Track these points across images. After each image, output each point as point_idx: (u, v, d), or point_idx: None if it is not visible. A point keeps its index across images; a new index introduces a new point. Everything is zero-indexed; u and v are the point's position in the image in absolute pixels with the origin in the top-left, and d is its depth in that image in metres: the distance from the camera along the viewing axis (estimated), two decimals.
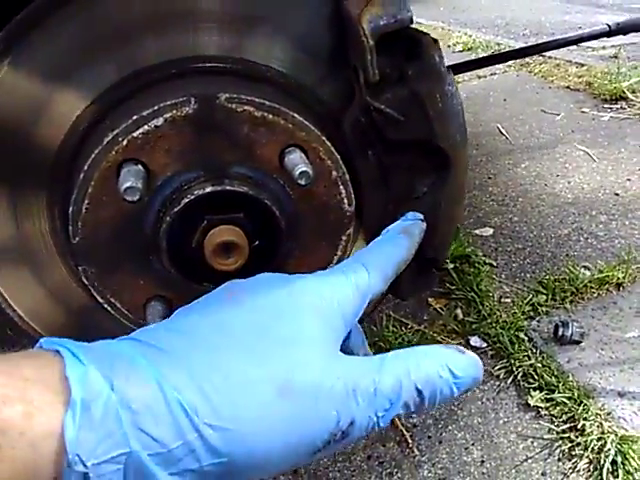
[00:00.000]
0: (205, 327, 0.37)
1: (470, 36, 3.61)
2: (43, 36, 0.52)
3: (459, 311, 1.35)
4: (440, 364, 0.41)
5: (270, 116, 0.54)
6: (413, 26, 0.55)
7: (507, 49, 3.27)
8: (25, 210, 0.59)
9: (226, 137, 0.55)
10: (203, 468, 0.32)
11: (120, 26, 0.53)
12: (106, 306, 0.61)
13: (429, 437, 1.08)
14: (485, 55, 2.83)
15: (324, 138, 0.58)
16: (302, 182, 0.56)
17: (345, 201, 0.64)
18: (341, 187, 0.62)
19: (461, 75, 2.68)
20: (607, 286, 1.34)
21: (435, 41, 0.56)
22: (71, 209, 0.54)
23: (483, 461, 1.03)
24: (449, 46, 3.56)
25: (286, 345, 0.37)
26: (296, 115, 0.56)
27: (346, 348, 0.47)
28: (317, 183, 0.59)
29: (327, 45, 0.57)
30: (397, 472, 1.03)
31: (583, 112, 2.29)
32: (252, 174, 0.57)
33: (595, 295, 1.33)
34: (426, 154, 0.64)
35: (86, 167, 0.52)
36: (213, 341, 0.36)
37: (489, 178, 1.91)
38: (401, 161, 0.66)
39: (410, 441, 1.07)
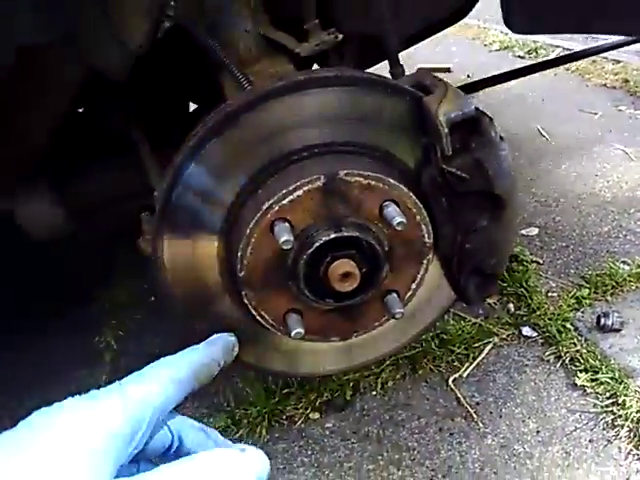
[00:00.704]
0: None
1: (506, 34, 3.73)
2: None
3: (511, 305, 1.55)
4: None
5: (373, 182, 0.77)
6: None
7: (543, 47, 3.39)
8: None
9: (343, 199, 0.78)
10: None
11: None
12: (258, 318, 0.85)
13: (490, 412, 1.29)
14: (543, 60, 2.96)
15: (411, 193, 0.81)
16: (399, 228, 0.78)
17: (425, 236, 0.86)
18: (422, 226, 0.84)
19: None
20: None
21: (491, 120, 0.77)
22: (240, 253, 0.78)
23: (538, 431, 1.23)
24: (485, 45, 3.70)
25: None
26: (390, 179, 0.78)
27: (149, 452, 0.48)
28: (409, 227, 0.81)
29: (411, 129, 0.79)
30: (465, 441, 1.24)
31: (620, 110, 2.42)
32: (361, 223, 0.80)
33: (634, 288, 1.50)
34: (486, 199, 0.86)
35: (251, 225, 0.76)
36: None
37: (531, 180, 2.08)
38: (466, 205, 0.88)
39: (475, 416, 1.29)
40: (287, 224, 0.78)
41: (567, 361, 1.35)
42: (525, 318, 1.49)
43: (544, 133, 2.38)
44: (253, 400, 1.41)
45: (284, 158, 0.79)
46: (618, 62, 2.80)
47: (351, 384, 1.41)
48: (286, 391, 1.42)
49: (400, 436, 1.28)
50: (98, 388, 0.46)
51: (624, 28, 1.30)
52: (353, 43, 1.06)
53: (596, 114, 2.43)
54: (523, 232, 1.82)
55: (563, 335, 1.40)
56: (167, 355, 0.51)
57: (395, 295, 0.91)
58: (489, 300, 1.59)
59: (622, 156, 2.10)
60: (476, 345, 1.46)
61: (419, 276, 0.91)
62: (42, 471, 0.36)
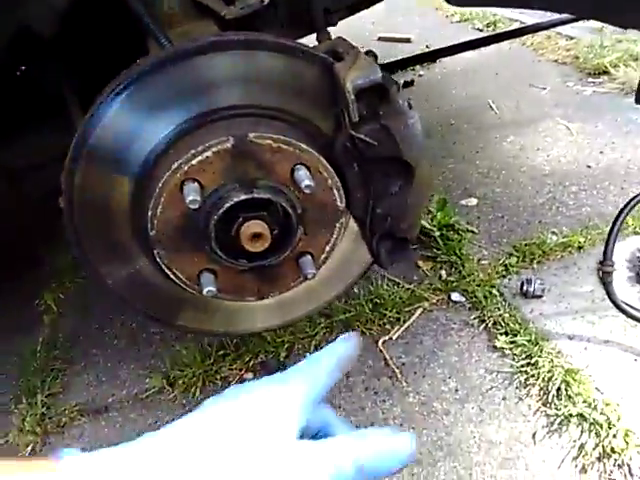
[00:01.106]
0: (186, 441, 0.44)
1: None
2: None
3: (443, 272, 1.61)
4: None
5: (284, 146, 0.79)
6: None
7: (502, 20, 3.41)
8: None
9: (254, 161, 0.80)
10: None
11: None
12: (172, 277, 0.87)
13: (415, 372, 1.36)
14: (496, 33, 2.98)
15: (321, 158, 0.83)
16: (307, 191, 0.81)
17: (337, 200, 0.89)
18: (335, 191, 0.87)
19: None
20: (570, 249, 1.59)
21: (399, 88, 0.80)
22: (150, 212, 0.80)
23: (457, 390, 1.30)
24: (447, 16, 3.70)
25: (250, 448, 0.44)
26: (302, 144, 0.80)
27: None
28: (318, 189, 0.84)
29: (323, 95, 0.81)
30: (389, 399, 1.31)
31: (568, 86, 2.47)
32: (272, 185, 0.83)
33: (559, 257, 1.58)
34: (395, 165, 0.89)
35: (161, 184, 0.78)
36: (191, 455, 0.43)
37: (477, 152, 2.13)
38: (377, 170, 0.91)
39: (399, 375, 1.35)
40: (196, 184, 0.80)
41: (490, 325, 1.42)
42: (455, 284, 1.55)
43: (494, 106, 2.42)
44: (189, 362, 1.45)
45: (193, 120, 0.80)
46: (571, 38, 2.85)
47: (285, 346, 1.46)
48: (221, 353, 1.46)
49: (329, 394, 1.33)
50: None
51: (558, 6, 1.33)
52: (280, 8, 1.06)
53: (545, 89, 2.48)
54: (463, 202, 1.87)
55: (488, 300, 1.47)
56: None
57: (309, 257, 0.95)
58: (423, 267, 1.64)
59: (565, 131, 2.17)
60: (407, 309, 1.51)
61: (333, 239, 0.94)
62: (254, 422, 0.46)
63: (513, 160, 2.05)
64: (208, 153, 0.77)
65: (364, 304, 1.51)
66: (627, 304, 1.35)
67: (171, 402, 1.40)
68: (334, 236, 0.93)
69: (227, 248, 0.85)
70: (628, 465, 1.09)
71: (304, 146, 0.81)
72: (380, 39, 3.46)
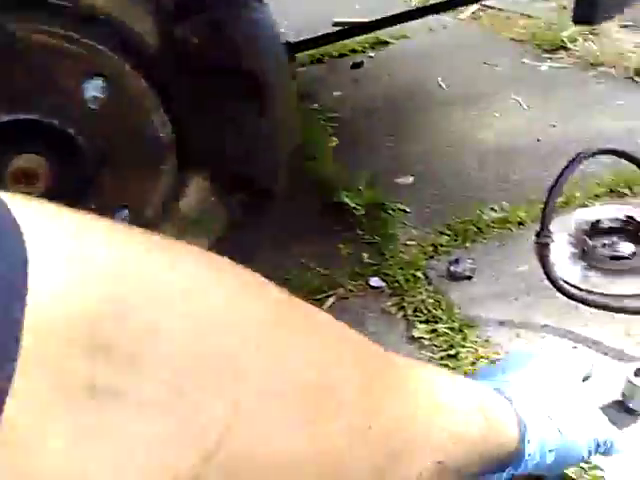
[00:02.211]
0: None
1: None
2: None
3: (365, 254, 1.39)
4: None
5: (69, 45, 0.58)
6: None
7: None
8: None
9: (23, 67, 0.58)
10: None
11: None
12: None
13: None
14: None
15: (129, 67, 0.62)
16: (93, 107, 0.59)
17: (159, 130, 0.67)
18: (154, 117, 0.66)
19: (412, 28, 2.67)
20: (509, 225, 1.38)
21: None
22: None
23: None
24: (405, 1, 3.53)
25: None
26: (102, 47, 0.59)
27: None
28: (128, 113, 0.63)
29: None
30: None
31: (523, 63, 2.29)
32: (51, 103, 0.61)
33: (495, 233, 1.37)
34: (237, 80, 0.67)
35: None
36: None
37: (420, 130, 1.93)
38: (214, 89, 0.70)
39: None
40: None
41: (409, 312, 1.20)
42: (376, 268, 1.34)
43: (443, 85, 2.23)
44: None
45: None
46: (530, 17, 2.68)
47: None
48: None
49: None
50: None
51: None
52: None
53: (498, 66, 2.29)
54: (398, 181, 1.67)
55: (410, 284, 1.26)
56: None
57: (124, 212, 0.72)
58: (344, 250, 1.43)
59: (515, 106, 1.97)
60: (319, 297, 1.30)
61: (160, 187, 0.73)
62: None
63: (458, 136, 1.85)
64: None
65: None
66: (567, 282, 1.14)
67: None
68: (161, 182, 0.71)
69: None
70: None
71: (101, 48, 0.60)
72: (336, 24, 3.28)
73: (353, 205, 1.49)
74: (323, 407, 0.31)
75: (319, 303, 1.28)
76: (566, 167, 1.12)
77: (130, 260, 0.24)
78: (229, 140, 0.73)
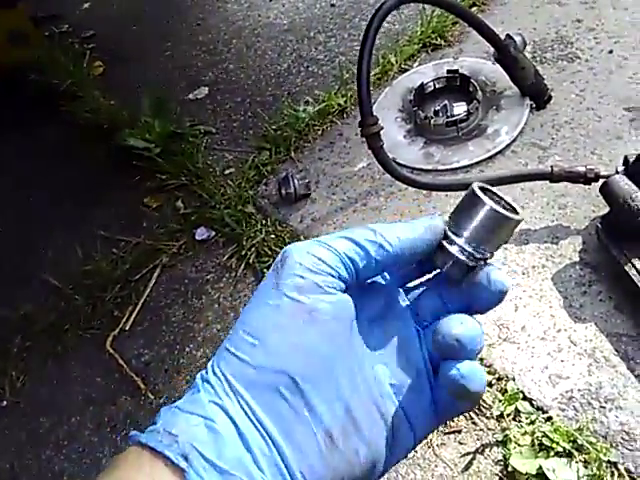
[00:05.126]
0: None
1: None
2: None
3: (180, 202, 1.12)
4: None
5: None
6: None
7: None
8: None
9: None
10: None
11: None
12: None
13: (166, 370, 0.90)
14: None
15: None
16: None
17: None
18: None
19: None
20: (330, 117, 1.18)
21: None
22: None
23: None
24: None
25: None
26: None
27: None
28: None
29: None
30: (133, 429, 0.85)
31: None
32: None
33: (320, 132, 1.16)
34: None
35: None
36: None
37: (198, 25, 1.59)
38: None
39: (143, 386, 0.89)
40: None
41: (253, 260, 0.99)
42: (197, 216, 1.08)
43: None
44: None
45: None
46: None
47: None
48: None
49: (39, 460, 0.83)
50: None
51: None
52: None
53: None
54: (190, 96, 1.36)
55: (243, 224, 1.03)
56: None
57: None
58: (152, 205, 1.14)
59: None
60: (139, 277, 1.03)
61: None
62: None
63: (243, 23, 1.55)
64: None
65: (73, 296, 1.00)
66: (412, 168, 0.99)
67: None
68: None
69: None
70: None
71: None
72: None
73: (143, 145, 1.18)
74: None
75: (142, 284, 1.02)
76: (367, 30, 0.90)
77: None
78: None
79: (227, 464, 0.25)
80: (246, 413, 0.26)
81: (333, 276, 0.28)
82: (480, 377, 0.28)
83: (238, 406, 0.26)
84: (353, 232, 0.29)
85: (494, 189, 0.29)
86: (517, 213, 0.29)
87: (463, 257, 0.29)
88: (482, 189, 0.29)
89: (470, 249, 0.29)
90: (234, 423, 0.26)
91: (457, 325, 0.28)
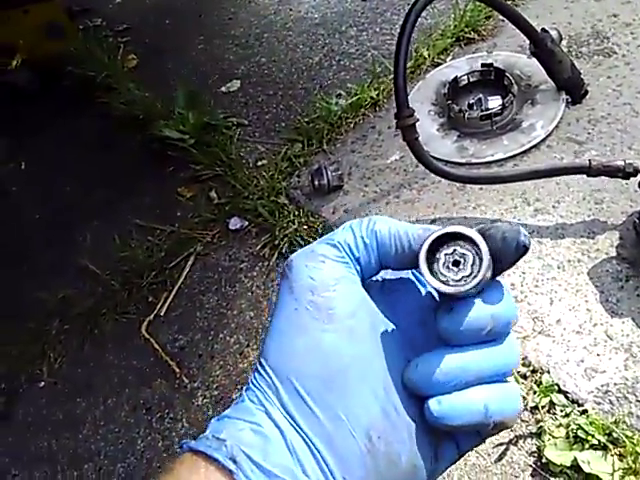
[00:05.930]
0: None
1: None
2: None
3: (214, 192, 1.14)
4: None
5: None
6: None
7: None
8: None
9: None
10: None
11: None
12: None
13: (200, 355, 0.92)
14: None
15: None
16: None
17: None
18: None
19: None
20: (362, 110, 1.18)
21: None
22: None
23: None
24: None
25: None
26: None
27: None
28: None
29: None
30: (169, 412, 0.87)
31: None
32: None
33: (352, 126, 1.17)
34: None
35: None
36: None
37: (229, 19, 1.61)
38: None
39: (178, 370, 0.90)
40: None
41: (285, 250, 1.00)
42: (231, 206, 1.10)
43: None
44: None
45: None
46: None
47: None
48: None
49: (76, 440, 0.86)
50: None
51: None
52: None
53: None
54: (223, 89, 1.38)
55: (277, 215, 1.04)
56: None
57: None
58: (187, 195, 1.16)
59: None
60: (173, 264, 1.05)
61: None
62: None
63: (274, 17, 1.56)
64: None
65: (111, 282, 1.02)
66: (446, 161, 0.99)
67: None
68: None
69: None
70: None
71: None
72: None
73: (178, 136, 1.20)
74: None
75: (176, 272, 1.04)
76: (404, 23, 0.91)
77: None
78: None
79: (274, 467, 0.26)
80: (286, 418, 0.27)
81: (342, 264, 0.27)
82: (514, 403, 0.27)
83: (279, 412, 0.27)
84: (351, 223, 0.29)
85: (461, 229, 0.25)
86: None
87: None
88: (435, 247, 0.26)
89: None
90: (278, 427, 0.26)
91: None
